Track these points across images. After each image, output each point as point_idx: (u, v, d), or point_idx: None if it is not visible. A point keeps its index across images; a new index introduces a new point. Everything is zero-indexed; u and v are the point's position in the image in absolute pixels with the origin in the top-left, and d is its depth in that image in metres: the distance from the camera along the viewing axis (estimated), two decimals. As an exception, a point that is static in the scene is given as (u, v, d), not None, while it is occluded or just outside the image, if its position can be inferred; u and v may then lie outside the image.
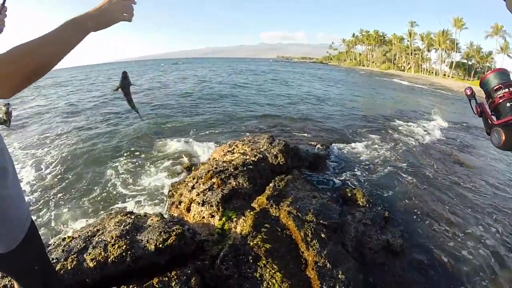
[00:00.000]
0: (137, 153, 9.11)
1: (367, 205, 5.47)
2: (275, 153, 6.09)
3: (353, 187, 6.53)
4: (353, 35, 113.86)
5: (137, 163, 8.24)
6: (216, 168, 5.36)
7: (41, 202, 6.50)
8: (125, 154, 9.05)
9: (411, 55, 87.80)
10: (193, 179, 5.29)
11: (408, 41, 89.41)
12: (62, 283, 2.25)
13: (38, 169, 8.27)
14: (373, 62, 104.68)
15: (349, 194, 5.83)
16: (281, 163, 5.94)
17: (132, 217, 4.16)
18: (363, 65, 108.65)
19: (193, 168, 6.73)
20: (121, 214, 4.35)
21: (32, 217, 1.86)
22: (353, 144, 10.15)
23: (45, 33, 1.19)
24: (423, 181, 7.56)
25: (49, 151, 9.71)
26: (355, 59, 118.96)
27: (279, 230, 4.05)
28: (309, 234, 3.94)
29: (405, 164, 8.68)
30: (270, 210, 4.38)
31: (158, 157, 8.59)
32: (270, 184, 5.03)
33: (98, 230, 3.94)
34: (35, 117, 14.99)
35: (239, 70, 55.74)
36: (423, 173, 8.24)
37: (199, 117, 13.79)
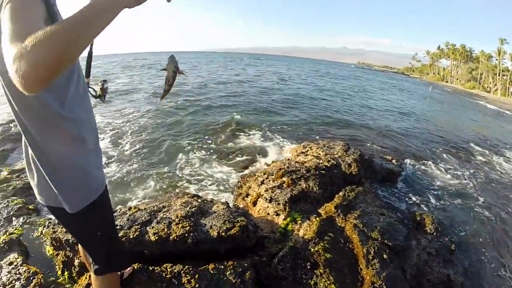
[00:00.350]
0: (210, 141, 9.25)
1: (434, 233, 5.15)
2: (349, 161, 5.90)
3: (423, 211, 6.21)
4: (439, 48, 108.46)
5: (209, 151, 8.36)
6: (288, 167, 5.27)
7: (115, 171, 6.88)
8: (199, 141, 9.24)
9: (499, 76, 79.83)
10: (264, 174, 5.23)
11: (496, 60, 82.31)
12: (127, 253, 2.25)
13: (116, 141, 8.77)
14: (457, 79, 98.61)
15: (418, 218, 5.52)
16: (354, 173, 5.74)
17: (199, 200, 4.16)
18: (446, 81, 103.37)
19: (264, 164, 6.67)
20: (189, 196, 4.38)
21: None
22: (429, 165, 9.61)
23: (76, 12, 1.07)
24: (499, 222, 6.97)
25: (130, 126, 10.24)
26: (438, 74, 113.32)
27: (342, 241, 3.89)
28: (372, 252, 3.75)
29: (482, 199, 8.01)
30: (337, 219, 4.23)
31: (230, 148, 8.65)
32: (340, 193, 4.86)
33: (164, 207, 3.97)
34: (122, 94, 15.71)
35: (320, 72, 54.98)
36: (501, 213, 7.52)
37: (275, 115, 13.72)
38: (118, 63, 48.47)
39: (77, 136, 1.67)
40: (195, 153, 8.12)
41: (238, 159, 7.71)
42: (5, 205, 4.94)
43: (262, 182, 5.00)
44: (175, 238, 3.37)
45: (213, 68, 41.51)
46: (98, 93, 2.26)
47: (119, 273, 2.64)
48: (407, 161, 9.33)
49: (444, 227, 5.83)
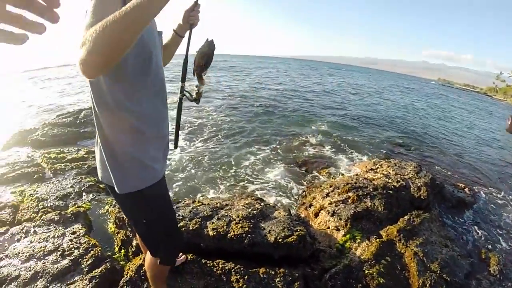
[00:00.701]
0: (281, 147, 9.23)
1: (498, 275, 4.83)
2: (419, 184, 5.65)
3: (490, 249, 5.85)
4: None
5: (278, 157, 8.35)
6: (355, 183, 5.13)
7: (186, 165, 7.15)
8: (269, 145, 9.27)
9: None
10: (330, 187, 5.14)
11: None
12: (175, 248, 2.32)
13: (192, 137, 9.21)
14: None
15: (483, 256, 5.20)
16: (422, 197, 5.49)
17: (262, 204, 4.17)
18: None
19: (332, 176, 6.57)
20: (252, 198, 4.41)
21: (171, 174, 2.02)
22: (506, 199, 9.00)
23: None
24: None
25: (206, 124, 10.66)
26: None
27: (399, 268, 3.74)
28: (427, 285, 3.57)
29: None
30: (397, 244, 4.07)
31: (299, 157, 8.53)
32: (405, 217, 4.66)
33: (226, 205, 4.02)
34: (204, 94, 16.20)
35: (400, 88, 52.59)
36: None
37: (350, 129, 13.28)
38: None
39: (136, 128, 1.77)
40: (264, 157, 8.16)
41: (305, 168, 7.62)
42: (78, 181, 5.29)
43: (327, 195, 4.92)
44: (233, 236, 3.41)
45: (291, 75, 41.50)
46: (194, 96, 2.36)
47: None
48: (482, 192, 8.76)
49: (510, 271, 5.48)
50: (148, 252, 2.26)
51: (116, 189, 1.85)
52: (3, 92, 19.08)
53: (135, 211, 2.03)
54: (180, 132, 2.50)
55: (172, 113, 2.07)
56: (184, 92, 2.32)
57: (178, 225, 2.32)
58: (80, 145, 7.52)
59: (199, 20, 2.19)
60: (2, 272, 3.21)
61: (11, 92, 19.11)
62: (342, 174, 6.23)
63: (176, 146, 2.51)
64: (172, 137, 2.25)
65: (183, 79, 2.32)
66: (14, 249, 3.56)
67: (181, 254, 3.21)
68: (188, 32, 2.23)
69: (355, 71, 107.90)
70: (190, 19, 2.16)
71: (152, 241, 2.17)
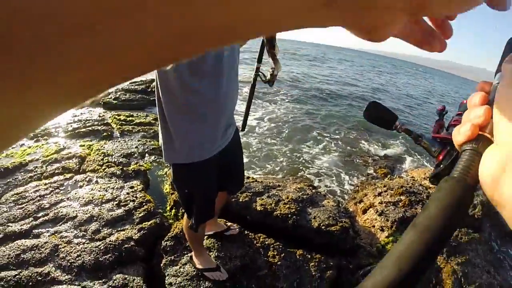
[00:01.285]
0: (346, 136, 9.15)
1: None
2: (475, 202, 5.41)
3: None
4: None
5: (340, 146, 8.27)
6: (410, 187, 4.98)
7: (251, 143, 7.30)
8: (335, 134, 9.18)
9: None
10: (384, 186, 5.04)
11: None
12: (205, 217, 2.41)
13: (261, 119, 9.17)
14: None
15: (523, 294, 4.98)
16: (476, 216, 5.22)
17: (313, 191, 4.20)
18: None
19: (388, 177, 6.43)
20: (305, 184, 4.44)
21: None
22: None
23: None
24: None
25: (277, 109, 10.59)
26: None
27: (433, 282, 3.63)
28: (458, 307, 3.50)
29: None
30: (438, 257, 3.99)
31: (362, 152, 8.32)
32: (454, 232, 4.52)
33: (279, 186, 4.09)
34: (287, 80, 16.20)
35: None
36: None
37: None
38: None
39: (195, 109, 1.87)
40: (325, 145, 8.08)
41: (364, 163, 7.46)
42: (142, 143, 5.55)
43: (379, 194, 4.84)
44: (278, 215, 3.48)
45: (372, 72, 40.21)
46: (267, 78, 2.35)
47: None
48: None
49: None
50: (186, 214, 2.42)
51: (163, 157, 2.04)
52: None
53: (179, 181, 2.17)
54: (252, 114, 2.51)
55: (243, 92, 2.08)
56: (259, 73, 2.35)
57: (212, 202, 2.39)
58: (149, 111, 7.81)
59: None
60: (61, 212, 3.49)
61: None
62: (399, 176, 6.06)
63: (243, 128, 2.59)
64: (238, 117, 2.32)
65: (260, 59, 2.34)
66: (75, 194, 3.85)
67: (235, 225, 3.34)
68: None
69: (433, 74, 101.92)
70: None
71: (187, 206, 2.31)
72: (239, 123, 2.42)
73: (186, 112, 1.88)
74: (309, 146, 7.90)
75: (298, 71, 22.63)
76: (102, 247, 3.00)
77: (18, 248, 3.00)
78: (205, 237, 3.05)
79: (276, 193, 3.84)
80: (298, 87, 15.70)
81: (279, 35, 2.02)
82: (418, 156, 8.88)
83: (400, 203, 4.55)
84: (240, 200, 3.59)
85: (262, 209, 3.50)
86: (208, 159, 2.03)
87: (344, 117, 11.24)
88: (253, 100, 2.58)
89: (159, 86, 1.85)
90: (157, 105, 1.94)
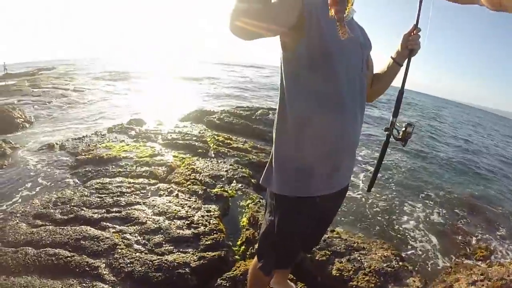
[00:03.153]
0: (454, 212, 8.09)
1: None
2: None
3: None
4: None
5: (443, 217, 7.27)
6: (511, 282, 4.12)
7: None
8: (443, 203, 8.11)
9: None
10: (481, 275, 4.07)
11: None
12: (280, 265, 2.05)
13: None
14: None
15: None
16: None
17: (400, 263, 3.52)
18: None
19: (487, 263, 5.42)
20: (393, 252, 3.81)
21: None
22: None
23: None
24: None
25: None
26: None
27: None
28: None
29: None
30: None
31: (463, 225, 7.32)
32: None
33: (363, 248, 3.55)
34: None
35: None
36: None
37: None
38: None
39: (299, 133, 1.61)
40: (429, 213, 7.19)
41: (462, 240, 6.45)
42: (233, 169, 5.33)
43: (474, 283, 4.02)
44: (354, 286, 2.92)
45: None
46: (400, 136, 2.00)
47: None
48: None
49: None
50: (256, 256, 2.08)
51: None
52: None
53: (273, 217, 1.82)
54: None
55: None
56: (394, 128, 1.99)
57: (299, 248, 1.97)
58: (248, 138, 7.54)
59: (420, 46, 1.83)
60: (133, 214, 3.38)
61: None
62: (500, 264, 5.02)
63: (370, 188, 2.22)
64: (359, 173, 1.93)
65: (396, 113, 2.00)
66: (153, 200, 3.71)
67: (293, 286, 2.82)
68: (406, 60, 1.89)
69: None
70: (409, 44, 1.81)
71: (264, 244, 2.00)
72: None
73: (293, 136, 1.61)
74: (409, 208, 7.06)
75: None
76: (156, 263, 2.75)
77: (81, 233, 3.01)
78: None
79: (359, 258, 3.29)
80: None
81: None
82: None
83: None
84: (317, 257, 3.11)
85: (338, 274, 2.98)
86: (312, 199, 1.68)
87: (460, 187, 10.02)
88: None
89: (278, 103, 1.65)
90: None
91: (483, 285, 4.03)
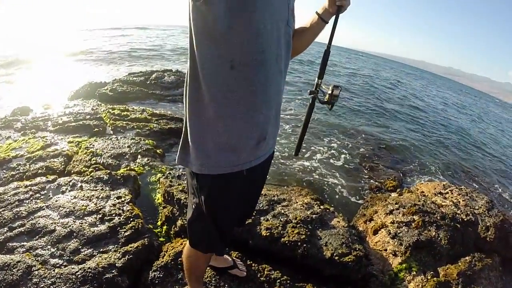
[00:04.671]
0: (357, 145, 8.43)
1: None
2: (488, 224, 4.74)
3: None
4: None
5: (350, 156, 7.53)
6: (423, 205, 4.38)
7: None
8: (342, 142, 8.53)
9: None
10: (396, 204, 4.43)
11: None
12: (221, 244, 1.88)
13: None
14: None
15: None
16: (488, 239, 4.60)
17: (322, 207, 3.58)
18: None
19: (397, 191, 5.78)
20: (311, 197, 3.83)
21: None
22: None
23: None
24: None
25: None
26: None
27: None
28: None
29: None
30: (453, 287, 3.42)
31: (372, 159, 7.62)
32: (467, 258, 3.93)
33: (284, 200, 3.51)
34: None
35: (487, 110, 39.88)
36: None
37: (429, 142, 11.32)
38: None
39: (214, 102, 1.39)
40: (334, 154, 7.44)
41: (371, 173, 6.78)
42: (135, 142, 4.97)
43: (391, 212, 4.24)
44: (286, 242, 2.89)
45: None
46: (326, 98, 1.86)
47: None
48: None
49: None
50: (188, 241, 1.86)
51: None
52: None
53: (198, 196, 1.61)
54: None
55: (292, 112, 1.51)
56: (319, 89, 1.84)
57: (230, 229, 1.90)
58: (146, 106, 7.15)
59: (350, 2, 1.67)
60: (39, 223, 2.94)
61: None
62: (409, 191, 5.37)
63: (297, 153, 2.10)
64: (286, 139, 1.76)
65: (321, 75, 1.83)
66: (56, 201, 3.27)
67: (243, 265, 2.73)
68: (334, 17, 1.73)
69: (437, 79, 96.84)
70: (338, 0, 1.63)
71: (194, 230, 1.79)
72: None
73: (208, 106, 1.39)
74: (316, 151, 7.28)
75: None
76: (80, 275, 2.42)
77: None
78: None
79: (282, 211, 3.25)
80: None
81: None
82: (423, 166, 8.23)
83: (413, 224, 3.98)
84: (242, 221, 2.98)
85: (267, 234, 2.90)
86: (237, 173, 1.51)
87: (359, 127, 10.53)
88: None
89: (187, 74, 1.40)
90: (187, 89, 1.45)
91: (399, 213, 4.24)
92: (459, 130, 15.80)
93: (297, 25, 1.72)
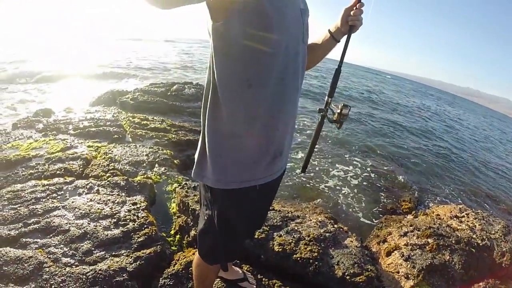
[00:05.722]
0: (371, 163, 8.32)
1: None
2: (504, 249, 4.63)
3: None
4: None
5: (365, 174, 7.49)
6: (438, 229, 4.27)
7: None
8: (359, 161, 8.35)
9: None
10: (411, 226, 4.34)
11: None
12: (227, 258, 2.02)
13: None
14: None
15: None
16: (504, 265, 4.45)
17: (335, 226, 3.51)
18: None
19: (412, 213, 5.66)
20: (325, 215, 3.77)
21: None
22: None
23: None
24: None
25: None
26: None
27: None
28: None
29: None
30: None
31: (389, 180, 7.49)
32: (481, 284, 3.81)
33: (298, 217, 3.45)
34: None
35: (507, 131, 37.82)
36: None
37: (448, 165, 10.95)
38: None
39: (230, 120, 1.37)
40: (351, 173, 7.37)
41: (387, 193, 6.69)
42: (154, 151, 4.97)
43: (405, 234, 4.14)
44: (298, 259, 2.82)
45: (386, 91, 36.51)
46: (335, 117, 1.81)
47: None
48: None
49: None
50: (197, 251, 1.82)
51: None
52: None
53: (211, 209, 1.59)
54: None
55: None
56: (328, 108, 1.81)
57: (241, 241, 1.91)
58: (166, 116, 7.14)
59: (362, 22, 1.64)
60: (54, 222, 2.92)
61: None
62: (424, 214, 5.26)
63: (304, 170, 2.04)
64: (295, 155, 1.73)
65: (331, 93, 1.80)
66: (72, 202, 3.27)
67: (253, 278, 2.69)
68: (346, 36, 1.71)
69: (457, 101, 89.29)
70: (351, 19, 1.61)
71: (205, 241, 1.74)
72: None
73: (225, 124, 1.38)
74: (333, 172, 7.16)
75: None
76: (90, 276, 2.39)
77: (1, 257, 2.47)
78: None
79: (296, 228, 3.19)
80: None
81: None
82: (439, 188, 8.04)
83: (427, 247, 3.88)
84: (256, 235, 2.94)
85: (280, 250, 2.85)
86: (251, 188, 1.48)
87: (377, 146, 10.38)
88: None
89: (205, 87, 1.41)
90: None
91: (413, 235, 4.15)
92: (478, 151, 15.51)
93: (309, 40, 1.68)
